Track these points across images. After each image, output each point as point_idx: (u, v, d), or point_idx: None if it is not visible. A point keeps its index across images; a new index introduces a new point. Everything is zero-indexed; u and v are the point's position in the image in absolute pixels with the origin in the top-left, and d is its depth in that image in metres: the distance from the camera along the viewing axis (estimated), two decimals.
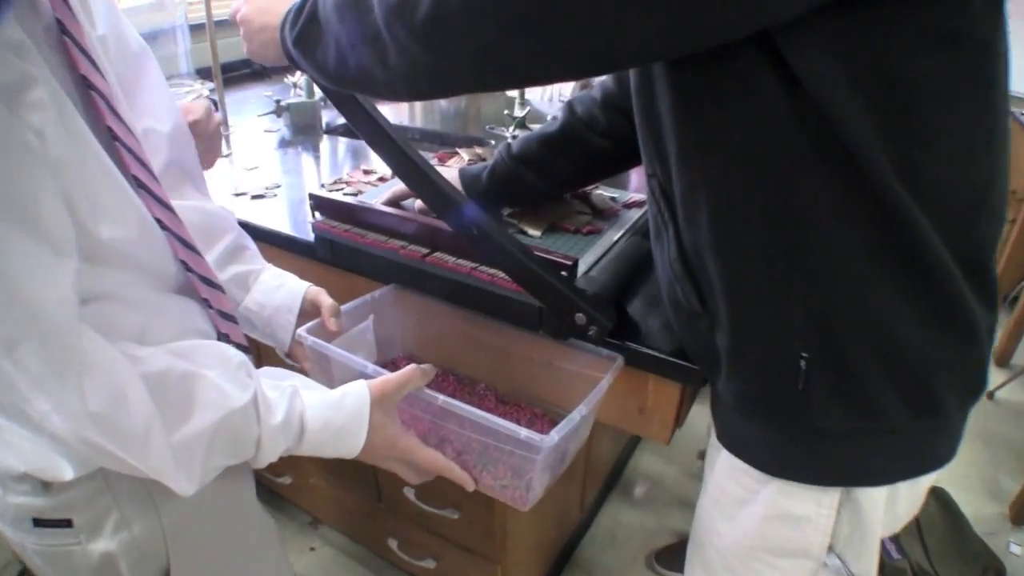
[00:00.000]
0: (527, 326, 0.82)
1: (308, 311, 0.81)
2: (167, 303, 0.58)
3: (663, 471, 1.77)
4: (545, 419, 0.88)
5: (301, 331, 0.78)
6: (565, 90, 1.57)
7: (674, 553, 1.46)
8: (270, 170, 1.28)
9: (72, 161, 0.45)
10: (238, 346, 0.62)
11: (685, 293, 0.60)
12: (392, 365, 0.95)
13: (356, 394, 0.62)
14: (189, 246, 0.59)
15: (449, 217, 0.71)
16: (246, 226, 0.93)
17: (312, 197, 0.93)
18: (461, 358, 0.95)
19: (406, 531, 1.26)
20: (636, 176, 1.20)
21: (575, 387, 0.79)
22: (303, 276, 0.84)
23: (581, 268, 0.81)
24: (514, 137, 1.11)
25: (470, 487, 0.67)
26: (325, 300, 0.80)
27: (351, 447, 0.61)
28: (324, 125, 1.53)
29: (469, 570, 1.18)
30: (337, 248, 0.93)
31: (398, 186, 0.96)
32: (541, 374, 0.87)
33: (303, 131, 1.49)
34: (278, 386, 0.59)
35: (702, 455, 1.63)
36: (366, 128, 0.68)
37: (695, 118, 0.51)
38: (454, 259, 0.83)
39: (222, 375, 0.54)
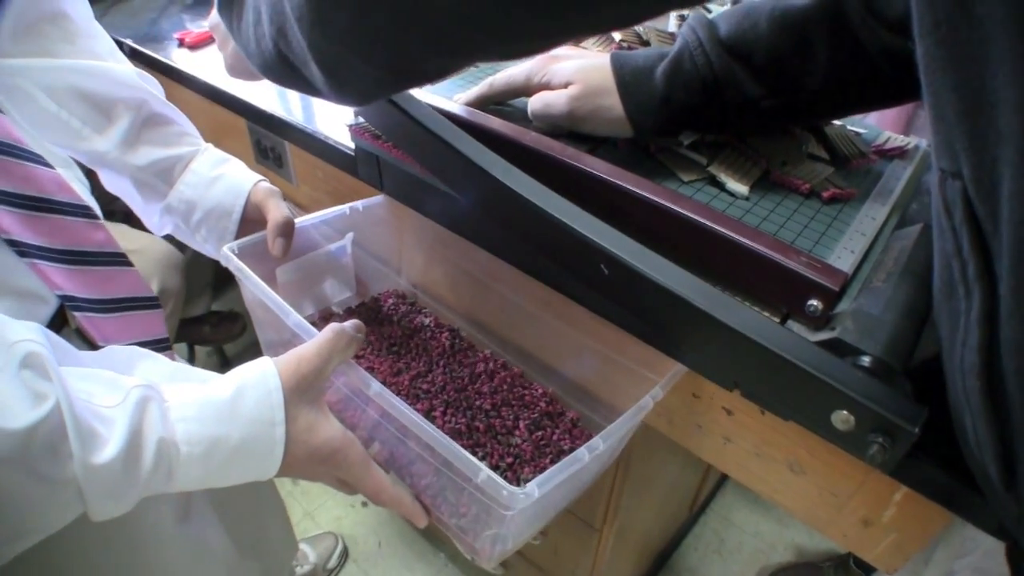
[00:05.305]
0: (711, 374, 0.43)
1: (254, 217, 0.59)
2: None
3: None
4: (566, 418, 0.56)
5: (226, 248, 0.51)
6: None
7: None
8: None
9: None
10: (81, 302, 0.45)
11: (980, 439, 0.30)
12: (374, 303, 0.65)
13: (259, 383, 0.38)
14: None
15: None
16: (271, 119, 0.69)
17: None
18: (473, 309, 0.62)
19: None
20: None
21: (625, 382, 0.50)
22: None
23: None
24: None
25: (421, 523, 0.46)
26: (273, 208, 0.56)
27: (261, 471, 0.38)
28: None
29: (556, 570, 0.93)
30: (388, 171, 0.55)
31: (497, 77, 0.55)
32: (578, 355, 0.55)
33: None
34: (115, 385, 0.34)
35: None
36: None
37: None
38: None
39: None
